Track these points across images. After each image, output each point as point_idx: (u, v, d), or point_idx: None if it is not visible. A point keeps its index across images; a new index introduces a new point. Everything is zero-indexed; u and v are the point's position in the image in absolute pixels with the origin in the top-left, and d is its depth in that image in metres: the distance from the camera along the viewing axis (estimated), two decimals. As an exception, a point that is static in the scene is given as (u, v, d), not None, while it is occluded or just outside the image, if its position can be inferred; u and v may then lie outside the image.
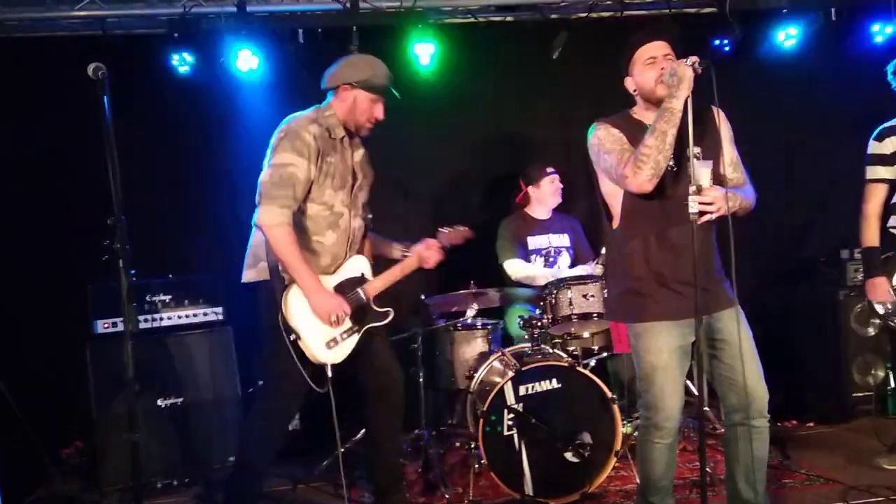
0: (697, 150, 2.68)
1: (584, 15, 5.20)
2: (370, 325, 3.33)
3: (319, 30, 4.88)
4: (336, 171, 3.20)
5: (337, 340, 3.21)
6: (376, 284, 3.35)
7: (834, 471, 3.89)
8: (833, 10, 5.16)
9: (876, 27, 5.08)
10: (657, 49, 2.82)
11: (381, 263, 3.55)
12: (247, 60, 4.76)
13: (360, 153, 3.39)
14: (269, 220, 3.04)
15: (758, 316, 5.12)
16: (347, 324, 3.23)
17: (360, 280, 3.33)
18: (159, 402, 4.24)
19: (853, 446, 4.32)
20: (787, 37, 5.14)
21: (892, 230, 3.73)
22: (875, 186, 3.75)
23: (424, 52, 4.87)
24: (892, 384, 4.72)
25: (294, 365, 3.07)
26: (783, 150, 5.40)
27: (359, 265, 3.36)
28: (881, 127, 3.80)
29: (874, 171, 3.76)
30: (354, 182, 3.31)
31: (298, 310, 3.13)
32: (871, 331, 4.80)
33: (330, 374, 3.15)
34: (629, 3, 5.13)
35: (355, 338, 3.27)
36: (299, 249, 3.08)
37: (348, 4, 4.76)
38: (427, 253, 3.47)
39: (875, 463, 3.91)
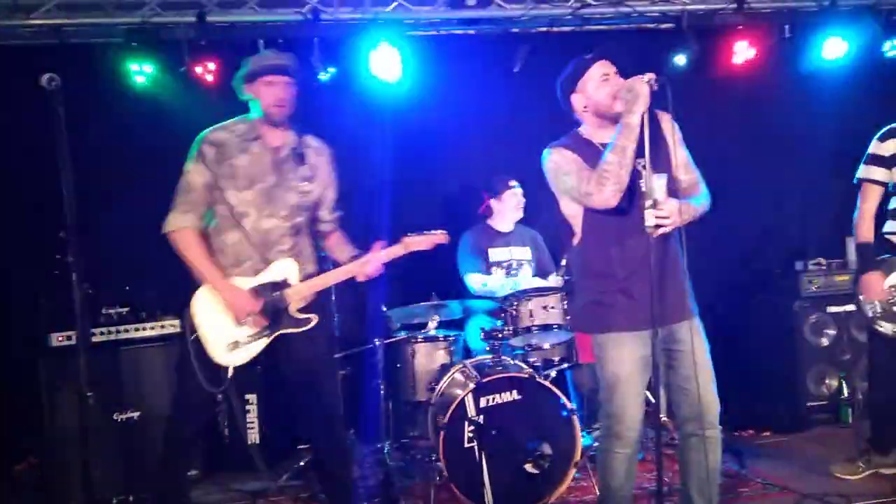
0: (650, 161, 2.72)
1: (546, 29, 5.27)
2: (285, 331, 3.22)
3: (281, 41, 4.85)
4: (242, 172, 3.17)
5: (239, 343, 3.17)
6: (299, 289, 3.23)
7: (789, 479, 3.94)
8: (787, 26, 5.29)
9: (828, 44, 5.20)
10: (607, 67, 2.89)
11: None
12: (207, 71, 4.72)
13: (286, 152, 3.26)
14: (168, 226, 3.18)
15: (715, 326, 5.21)
16: (255, 327, 3.18)
17: (282, 284, 3.23)
18: (115, 417, 4.16)
19: (808, 455, 4.39)
20: (743, 51, 5.23)
21: (887, 236, 3.74)
22: (870, 187, 3.74)
23: (386, 64, 4.87)
24: (846, 393, 4.81)
25: (190, 365, 3.08)
26: (739, 162, 5.50)
27: (284, 269, 3.24)
28: (888, 127, 3.76)
29: (869, 171, 3.75)
30: (271, 181, 3.22)
31: (202, 309, 3.16)
32: (825, 341, 4.90)
33: (230, 374, 3.14)
34: (590, 19, 5.20)
35: (263, 342, 3.20)
36: (203, 249, 3.16)
37: (310, 15, 4.76)
38: (362, 267, 3.31)
39: (830, 471, 3.96)
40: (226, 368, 3.15)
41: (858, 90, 5.36)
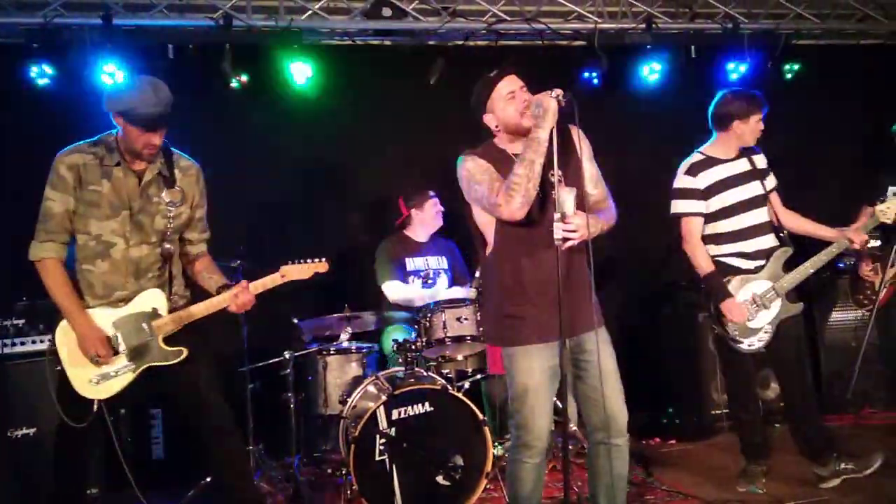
0: (560, 174, 2.77)
1: (462, 43, 5.32)
2: (152, 364, 3.08)
3: (191, 46, 4.75)
4: (103, 199, 3.05)
5: (106, 376, 3.04)
6: (166, 321, 3.09)
7: (693, 486, 4.05)
8: (693, 47, 5.49)
9: (731, 65, 5.42)
10: (513, 83, 2.92)
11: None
12: (112, 75, 4.57)
13: (152, 175, 3.13)
14: (32, 255, 3.05)
15: (624, 338, 5.35)
16: (119, 361, 3.05)
17: (151, 315, 3.09)
18: (10, 433, 3.96)
19: (711, 462, 4.53)
20: (651, 71, 5.40)
21: (717, 258, 3.88)
22: (693, 220, 3.89)
23: (300, 72, 4.83)
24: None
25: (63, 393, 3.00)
26: (647, 177, 5.64)
27: (152, 299, 3.12)
28: (690, 162, 3.94)
29: (690, 206, 3.88)
30: (136, 207, 3.09)
31: (63, 342, 3.04)
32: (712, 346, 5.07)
33: (95, 408, 3.01)
34: (504, 34, 5.28)
35: (129, 377, 3.06)
36: (63, 279, 3.04)
37: (221, 21, 4.67)
38: (234, 299, 3.12)
39: (746, 490, 3.98)
40: (91, 401, 3.01)
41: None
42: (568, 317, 2.73)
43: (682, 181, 3.95)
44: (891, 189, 4.19)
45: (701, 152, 3.98)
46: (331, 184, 5.19)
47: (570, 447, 4.23)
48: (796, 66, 5.54)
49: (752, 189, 3.89)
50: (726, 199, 3.86)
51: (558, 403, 4.35)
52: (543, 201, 2.86)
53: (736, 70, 5.44)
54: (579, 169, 2.94)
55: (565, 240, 2.75)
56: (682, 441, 4.96)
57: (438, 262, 4.81)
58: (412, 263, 4.76)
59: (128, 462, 3.20)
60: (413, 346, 4.02)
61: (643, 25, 5.24)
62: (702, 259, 3.89)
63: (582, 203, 2.87)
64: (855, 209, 4.18)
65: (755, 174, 3.91)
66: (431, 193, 4.83)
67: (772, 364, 4.07)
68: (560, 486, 3.98)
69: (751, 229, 3.86)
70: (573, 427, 4.38)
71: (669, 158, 5.69)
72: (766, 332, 3.84)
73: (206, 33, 4.72)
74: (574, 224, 2.76)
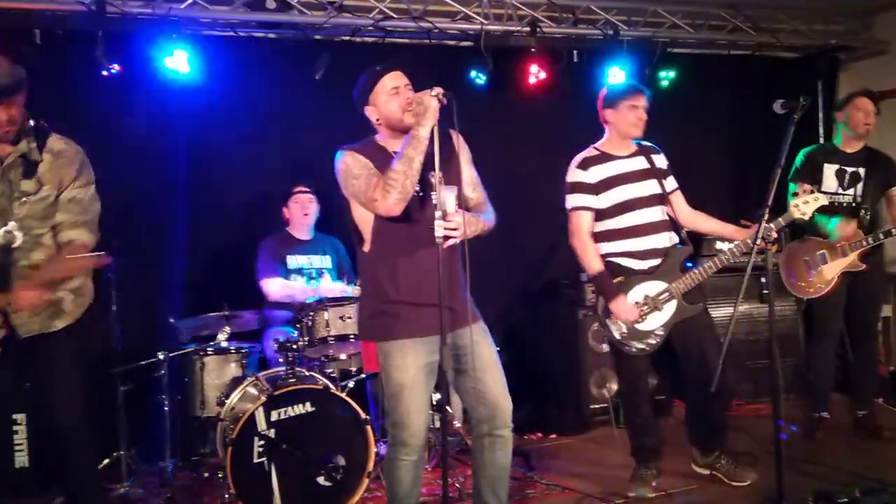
0: (441, 174, 2.79)
1: (348, 38, 5.28)
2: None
3: (60, 31, 4.50)
4: None
5: None
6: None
7: (571, 479, 4.15)
8: (575, 52, 5.64)
9: (611, 71, 5.59)
10: (397, 79, 2.92)
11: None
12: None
13: (14, 158, 2.95)
14: None
15: (508, 335, 5.46)
16: None
17: None
18: None
19: (590, 456, 4.67)
20: (535, 74, 5.50)
21: (610, 258, 3.83)
22: (583, 214, 3.80)
23: (179, 64, 4.65)
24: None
25: None
26: (530, 178, 5.77)
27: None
28: (582, 156, 3.87)
29: (580, 200, 3.80)
30: None
31: None
32: (606, 347, 5.23)
33: None
34: (392, 31, 5.27)
35: None
36: None
37: (94, 7, 4.44)
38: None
39: (634, 494, 3.93)
40: None
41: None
42: (447, 313, 2.75)
43: (572, 174, 3.87)
44: (801, 189, 4.30)
45: (595, 147, 3.90)
46: (210, 178, 5.02)
47: (453, 444, 4.31)
48: (672, 74, 5.75)
49: (647, 188, 3.82)
50: (618, 196, 3.79)
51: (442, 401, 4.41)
52: (423, 200, 2.87)
53: (616, 75, 5.61)
54: (458, 170, 2.97)
55: (446, 238, 2.77)
56: (562, 435, 5.08)
57: (322, 261, 4.75)
58: (294, 261, 4.68)
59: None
60: (295, 346, 3.95)
61: (528, 29, 5.33)
62: (590, 256, 3.79)
63: (461, 202, 2.90)
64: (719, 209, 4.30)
65: (652, 173, 3.85)
66: (298, 189, 4.76)
67: (678, 353, 3.90)
68: (440, 482, 4.02)
69: (642, 227, 3.79)
70: (457, 424, 4.43)
71: (552, 160, 5.82)
72: (657, 336, 3.77)
73: (77, 19, 4.48)
74: (455, 222, 2.78)
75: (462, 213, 2.83)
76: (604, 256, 3.83)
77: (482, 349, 2.94)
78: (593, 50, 5.64)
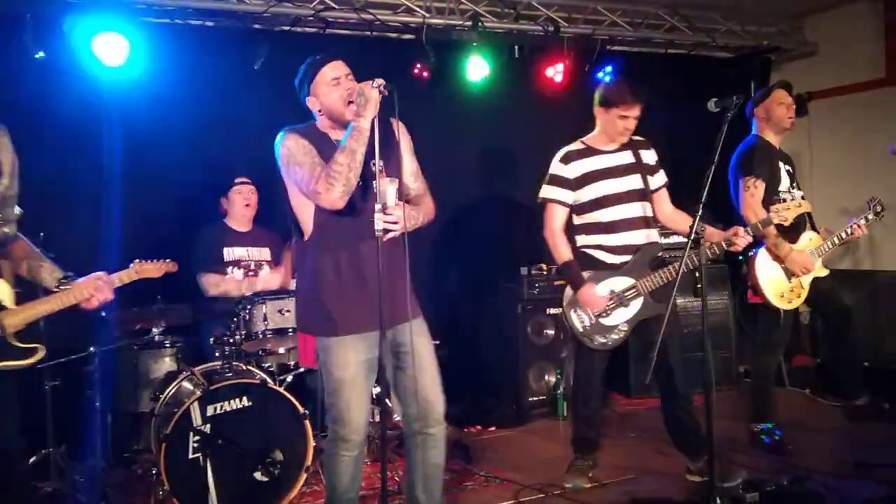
0: (382, 164, 2.78)
1: (288, 28, 5.20)
2: (6, 364, 2.73)
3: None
4: None
5: None
6: (16, 318, 2.75)
7: (510, 471, 4.20)
8: (517, 47, 5.67)
9: (552, 67, 5.64)
10: (339, 69, 2.89)
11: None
12: None
13: None
14: None
15: (449, 329, 5.47)
16: None
17: None
18: None
19: (529, 448, 4.72)
20: (477, 68, 5.50)
21: (584, 250, 3.84)
22: (557, 207, 3.81)
23: (113, 50, 4.51)
24: (561, 388, 5.23)
25: None
26: (472, 171, 5.79)
27: None
28: (567, 150, 3.86)
29: (555, 192, 3.82)
30: None
31: None
32: (545, 340, 5.30)
33: None
34: (333, 22, 5.21)
35: None
36: None
37: (21, -11, 4.29)
38: (92, 292, 2.87)
39: (570, 485, 3.94)
40: None
41: (578, 110, 5.87)
42: (387, 308, 2.74)
43: (553, 167, 3.85)
44: (794, 193, 4.28)
45: (582, 141, 3.88)
46: (145, 169, 4.88)
47: (394, 437, 4.30)
48: (610, 72, 5.83)
49: (630, 183, 3.80)
50: (598, 190, 3.77)
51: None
52: (364, 192, 2.85)
53: (556, 72, 5.67)
54: (400, 161, 2.96)
55: (386, 231, 2.75)
56: (501, 428, 5.11)
57: (260, 253, 4.68)
58: (231, 253, 4.59)
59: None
60: (231, 340, 3.89)
61: (469, 23, 5.34)
62: (560, 247, 3.78)
63: (402, 195, 2.88)
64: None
65: (638, 168, 3.82)
66: (238, 180, 4.68)
67: (642, 352, 3.89)
68: (380, 475, 4.02)
69: (620, 223, 3.77)
70: (397, 417, 4.41)
71: (493, 153, 5.91)
72: (620, 331, 3.75)
73: (6, 1, 4.31)
74: (395, 215, 2.76)
75: (403, 205, 2.82)
76: (578, 248, 3.83)
77: (420, 347, 2.95)
78: (534, 46, 5.68)
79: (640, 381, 5.44)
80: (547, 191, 3.87)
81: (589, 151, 3.84)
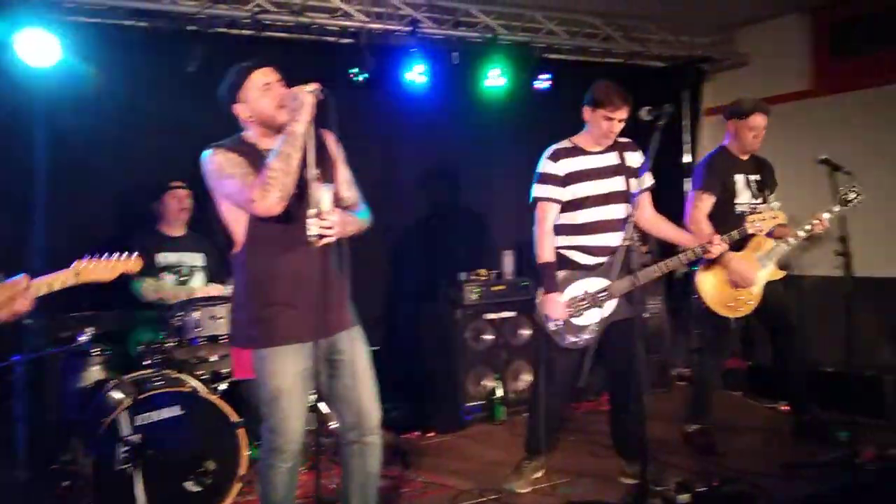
0: (317, 172, 2.75)
1: (224, 31, 5.12)
2: None
3: None
4: None
5: None
6: None
7: (448, 476, 4.20)
8: (456, 53, 5.68)
9: (490, 74, 5.67)
10: (269, 75, 2.86)
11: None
12: None
13: None
14: None
15: (388, 335, 5.46)
16: None
17: None
18: None
19: (466, 452, 4.72)
20: (416, 73, 5.49)
21: (561, 251, 3.81)
22: (548, 206, 3.78)
23: (41, 50, 4.36)
24: (499, 393, 5.26)
25: None
26: (410, 177, 5.79)
27: None
28: (555, 148, 3.83)
29: (546, 190, 3.78)
30: None
31: None
32: (483, 345, 5.32)
33: None
34: (270, 26, 5.14)
35: None
36: None
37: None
38: (10, 303, 2.57)
39: (507, 488, 3.96)
40: None
41: (516, 116, 5.94)
42: (323, 316, 2.71)
43: (543, 165, 3.81)
44: (771, 204, 4.22)
45: (570, 140, 3.85)
46: (75, 173, 4.74)
47: (330, 445, 4.26)
48: (547, 79, 5.89)
49: (612, 184, 3.77)
50: (580, 191, 3.75)
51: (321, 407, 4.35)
52: (298, 198, 2.81)
53: (495, 78, 5.70)
54: (334, 168, 2.94)
55: (321, 237, 2.73)
56: (440, 433, 5.10)
57: (194, 259, 4.59)
58: (164, 258, 4.50)
59: None
60: (163, 347, 3.80)
61: (409, 28, 5.34)
62: (545, 247, 3.75)
63: (337, 201, 2.86)
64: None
65: (622, 170, 3.79)
66: (173, 184, 4.59)
67: (606, 354, 3.85)
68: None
69: (600, 224, 3.75)
70: (333, 425, 4.37)
71: (433, 158, 5.92)
72: (591, 332, 3.72)
73: None
74: (330, 221, 2.74)
75: (338, 211, 2.80)
76: (556, 249, 3.80)
77: (357, 356, 2.93)
78: (473, 52, 5.70)
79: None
80: (539, 189, 3.82)
81: (575, 151, 3.82)
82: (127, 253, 2.90)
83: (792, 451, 4.39)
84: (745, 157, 4.51)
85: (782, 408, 5.13)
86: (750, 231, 3.85)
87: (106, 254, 2.85)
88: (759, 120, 4.37)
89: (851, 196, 4.18)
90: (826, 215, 4.22)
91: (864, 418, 4.51)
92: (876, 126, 5.57)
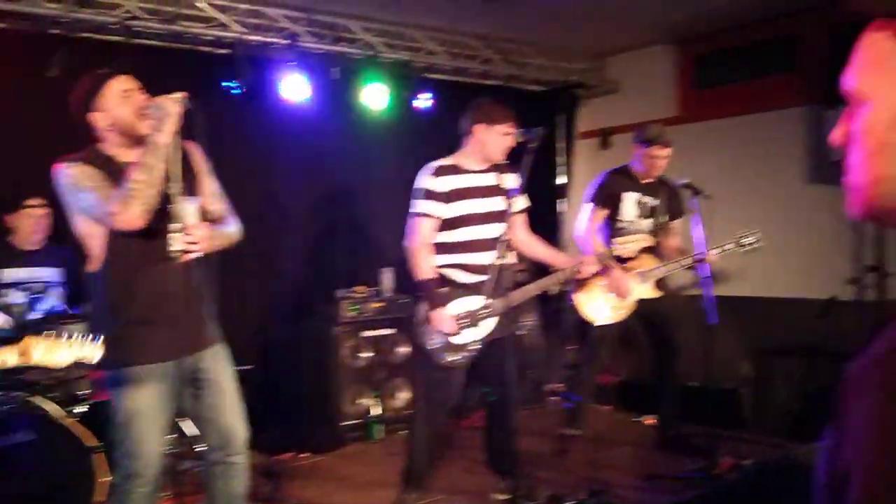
0: (181, 184, 2.66)
1: (89, 35, 4.89)
2: None
3: None
4: None
5: None
6: None
7: (321, 497, 4.15)
8: (336, 69, 5.65)
9: (371, 91, 5.66)
10: (128, 82, 2.76)
11: None
12: None
13: None
14: None
15: (262, 352, 5.31)
16: None
17: None
18: None
19: (342, 472, 4.66)
20: (293, 87, 5.39)
21: (441, 269, 3.75)
22: (427, 221, 3.72)
23: None
24: (377, 412, 5.21)
25: None
26: (285, 190, 5.68)
27: None
28: (437, 164, 3.79)
29: (427, 207, 3.72)
30: None
31: None
32: (361, 363, 5.27)
33: None
34: (139, 32, 4.95)
35: None
36: None
37: None
38: None
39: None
40: None
41: (395, 134, 5.95)
42: (185, 335, 2.61)
43: (425, 182, 3.74)
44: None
45: (451, 157, 3.82)
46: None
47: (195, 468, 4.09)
48: (428, 99, 5.91)
49: (492, 204, 3.76)
50: (460, 209, 3.72)
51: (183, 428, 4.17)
52: (160, 211, 2.70)
53: (375, 97, 5.68)
54: (199, 181, 2.85)
55: (185, 252, 2.64)
56: (315, 453, 5.01)
57: (50, 274, 4.31)
58: (13, 274, 4.19)
59: None
60: (13, 369, 3.55)
61: (287, 41, 5.26)
62: (421, 262, 3.70)
63: (204, 215, 2.78)
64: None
65: (501, 191, 3.79)
66: (31, 202, 4.28)
67: (482, 375, 3.85)
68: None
69: (479, 243, 3.73)
70: (199, 448, 4.20)
71: (311, 173, 5.83)
72: (470, 350, 3.69)
73: None
74: (195, 236, 2.66)
75: (205, 225, 2.71)
76: (438, 267, 3.74)
77: (220, 374, 2.85)
78: (353, 68, 5.68)
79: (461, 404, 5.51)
80: (421, 206, 3.74)
81: (455, 169, 3.78)
82: None
83: (657, 463, 4.55)
84: (649, 181, 4.69)
85: (647, 421, 5.34)
86: (616, 253, 3.98)
87: None
88: (656, 151, 4.56)
89: (749, 240, 4.36)
90: (715, 251, 4.38)
91: (723, 430, 4.79)
92: (732, 151, 5.93)
